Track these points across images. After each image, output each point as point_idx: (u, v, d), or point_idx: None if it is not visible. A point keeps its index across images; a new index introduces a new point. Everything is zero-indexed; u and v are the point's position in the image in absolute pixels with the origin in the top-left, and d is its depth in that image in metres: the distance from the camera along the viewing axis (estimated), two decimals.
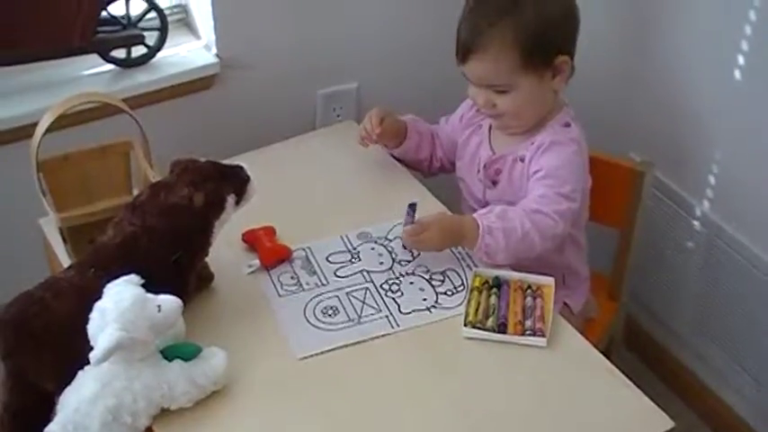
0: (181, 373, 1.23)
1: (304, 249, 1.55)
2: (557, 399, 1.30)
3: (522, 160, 1.58)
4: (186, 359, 1.25)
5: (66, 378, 1.22)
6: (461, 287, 1.48)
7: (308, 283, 1.48)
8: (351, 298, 1.46)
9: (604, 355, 1.39)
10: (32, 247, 1.65)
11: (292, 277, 1.49)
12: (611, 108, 2.06)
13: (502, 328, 1.38)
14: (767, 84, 1.71)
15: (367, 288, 1.48)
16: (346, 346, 1.37)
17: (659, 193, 1.99)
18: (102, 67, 1.85)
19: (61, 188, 1.49)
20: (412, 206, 1.49)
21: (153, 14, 1.85)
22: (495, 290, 1.45)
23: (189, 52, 1.92)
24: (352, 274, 1.50)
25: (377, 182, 1.71)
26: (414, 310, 1.43)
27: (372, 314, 1.42)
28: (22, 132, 1.60)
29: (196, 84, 1.89)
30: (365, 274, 1.50)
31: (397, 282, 1.49)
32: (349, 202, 1.67)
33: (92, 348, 1.17)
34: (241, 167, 1.39)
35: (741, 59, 1.74)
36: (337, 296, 1.46)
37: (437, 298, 1.46)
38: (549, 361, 1.35)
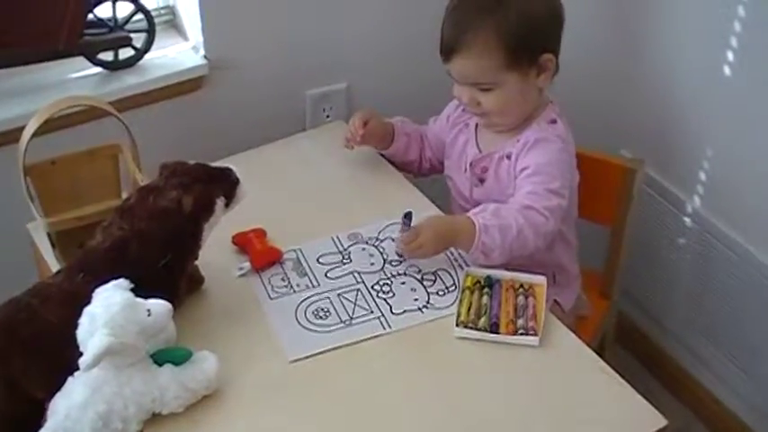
0: (172, 378, 1.22)
1: (295, 251, 1.54)
2: (550, 397, 1.30)
3: (509, 158, 1.58)
4: (177, 363, 1.24)
5: (55, 384, 1.21)
6: (453, 287, 1.47)
7: (298, 285, 1.48)
8: (342, 299, 1.45)
9: (597, 352, 1.39)
10: (21, 252, 1.64)
11: (283, 279, 1.49)
12: (602, 106, 2.06)
13: (494, 328, 1.38)
14: (757, 80, 1.72)
15: (358, 289, 1.47)
16: (338, 348, 1.36)
17: (650, 191, 1.99)
18: (90, 69, 1.83)
19: (49, 192, 1.48)
20: (407, 216, 1.49)
21: (140, 16, 1.84)
22: (486, 289, 1.45)
23: (177, 54, 1.91)
24: (343, 276, 1.50)
25: (367, 182, 1.71)
26: (405, 311, 1.43)
27: (364, 315, 1.42)
28: (9, 137, 1.59)
29: (184, 86, 1.88)
30: (356, 275, 1.50)
31: (389, 282, 1.48)
32: (339, 202, 1.66)
33: (81, 354, 1.16)
34: (230, 170, 1.38)
35: (731, 56, 1.74)
36: (329, 298, 1.45)
37: (429, 298, 1.45)
38: (542, 360, 1.35)
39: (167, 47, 1.92)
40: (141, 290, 1.23)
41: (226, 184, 1.36)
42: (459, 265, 1.51)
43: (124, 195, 1.49)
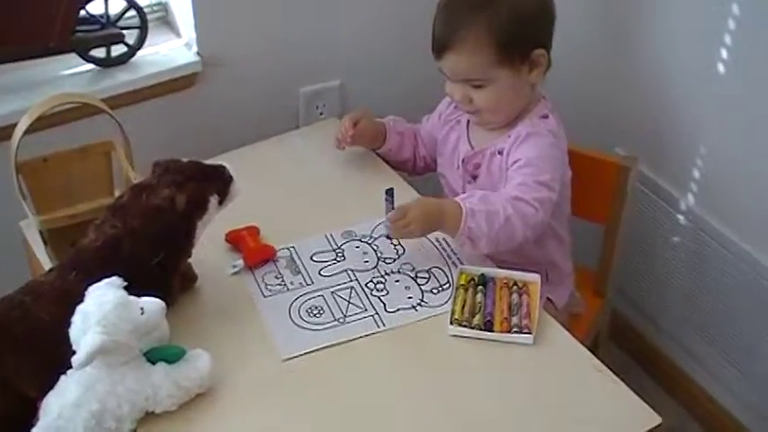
0: (165, 376, 1.22)
1: (288, 249, 1.54)
2: (544, 395, 1.30)
3: (501, 153, 1.58)
4: (170, 362, 1.23)
5: (48, 383, 1.20)
6: (447, 285, 1.47)
7: (292, 283, 1.47)
8: (336, 297, 1.45)
9: (591, 350, 1.38)
10: (13, 250, 1.63)
11: (277, 277, 1.48)
12: (597, 103, 2.06)
13: (488, 326, 1.38)
14: (751, 78, 1.72)
15: (352, 287, 1.47)
16: (332, 346, 1.36)
17: (644, 188, 1.99)
18: (82, 66, 1.83)
19: (42, 190, 1.47)
20: (389, 192, 1.48)
21: (132, 13, 1.83)
22: (481, 287, 1.44)
23: (169, 51, 1.90)
24: (336, 273, 1.49)
25: (361, 180, 1.71)
26: (399, 309, 1.43)
27: (358, 313, 1.42)
28: (1, 134, 1.58)
29: (177, 83, 1.88)
30: (350, 272, 1.50)
31: (383, 280, 1.48)
32: (333, 200, 1.66)
33: (74, 352, 1.15)
34: (223, 167, 1.37)
35: (725, 54, 1.74)
36: (322, 296, 1.45)
37: (423, 296, 1.45)
38: (536, 358, 1.35)
39: (160, 44, 1.92)
40: (134, 288, 1.23)
41: (219, 182, 1.36)
42: (453, 263, 1.51)
43: (117, 193, 1.48)
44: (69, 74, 1.83)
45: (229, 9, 1.86)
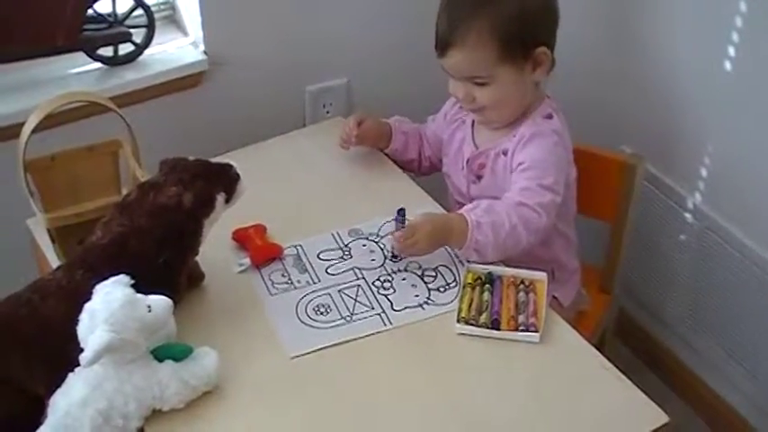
0: (172, 374, 1.22)
1: (295, 247, 1.54)
2: (550, 394, 1.30)
3: (505, 154, 1.58)
4: (177, 360, 1.24)
5: (56, 381, 1.21)
6: (454, 283, 1.47)
7: (299, 281, 1.47)
8: (343, 295, 1.45)
9: (597, 348, 1.38)
10: (20, 248, 1.64)
11: (283, 275, 1.49)
12: (603, 102, 2.06)
13: (495, 324, 1.38)
14: (758, 75, 1.71)
15: (359, 285, 1.47)
16: (339, 344, 1.36)
17: (651, 186, 1.98)
18: (89, 65, 1.83)
19: (49, 188, 1.48)
20: (401, 212, 1.49)
21: (140, 12, 1.84)
22: (487, 285, 1.44)
23: (176, 49, 1.91)
24: (343, 272, 1.50)
25: (367, 178, 1.71)
26: (406, 307, 1.43)
27: (365, 312, 1.42)
28: (9, 132, 1.59)
29: (184, 81, 1.88)
30: (357, 271, 1.50)
31: (389, 278, 1.48)
32: (339, 198, 1.66)
33: (82, 350, 1.16)
34: (230, 166, 1.38)
35: (732, 51, 1.73)
36: (329, 294, 1.45)
37: (429, 294, 1.45)
38: (543, 356, 1.35)
39: (167, 42, 1.92)
40: (141, 286, 1.23)
41: (226, 180, 1.36)
42: (460, 262, 1.51)
43: (124, 191, 1.48)
44: (77, 72, 1.83)
45: (236, 8, 1.86)
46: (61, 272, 1.31)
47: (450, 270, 1.50)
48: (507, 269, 1.48)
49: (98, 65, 1.84)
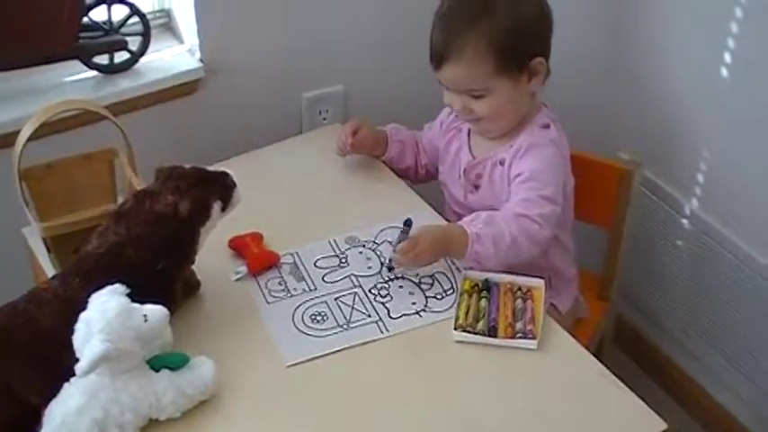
0: (168, 384, 1.21)
1: (292, 255, 1.54)
2: (548, 401, 1.29)
3: (502, 164, 1.58)
4: (174, 369, 1.23)
5: (51, 390, 1.20)
6: (451, 290, 1.47)
7: (296, 289, 1.47)
8: (339, 303, 1.44)
9: (595, 355, 1.38)
10: (16, 257, 1.63)
11: (280, 283, 1.48)
12: (600, 108, 2.06)
13: (492, 332, 1.37)
14: (754, 81, 1.71)
15: (356, 293, 1.47)
16: (336, 352, 1.36)
17: (648, 192, 1.99)
18: (85, 73, 1.82)
19: (45, 197, 1.47)
20: (407, 223, 1.49)
21: (135, 19, 1.83)
22: (485, 293, 1.44)
23: (172, 57, 1.90)
24: (340, 279, 1.49)
25: (364, 185, 1.71)
26: (403, 315, 1.42)
27: (361, 319, 1.41)
28: (4, 141, 1.58)
29: (180, 89, 1.88)
30: (353, 278, 1.49)
31: (386, 286, 1.48)
32: (336, 205, 1.66)
33: (77, 360, 1.15)
34: (226, 173, 1.37)
35: (727, 57, 1.74)
36: (326, 302, 1.45)
37: (427, 302, 1.45)
38: (540, 363, 1.35)
39: (163, 50, 1.91)
40: (137, 295, 1.23)
41: (222, 188, 1.36)
42: (458, 269, 1.51)
43: (120, 200, 1.48)
44: (72, 80, 1.83)
45: (232, 15, 1.86)
46: (57, 281, 1.31)
47: (448, 277, 1.49)
48: (504, 276, 1.48)
49: (94, 73, 1.83)
